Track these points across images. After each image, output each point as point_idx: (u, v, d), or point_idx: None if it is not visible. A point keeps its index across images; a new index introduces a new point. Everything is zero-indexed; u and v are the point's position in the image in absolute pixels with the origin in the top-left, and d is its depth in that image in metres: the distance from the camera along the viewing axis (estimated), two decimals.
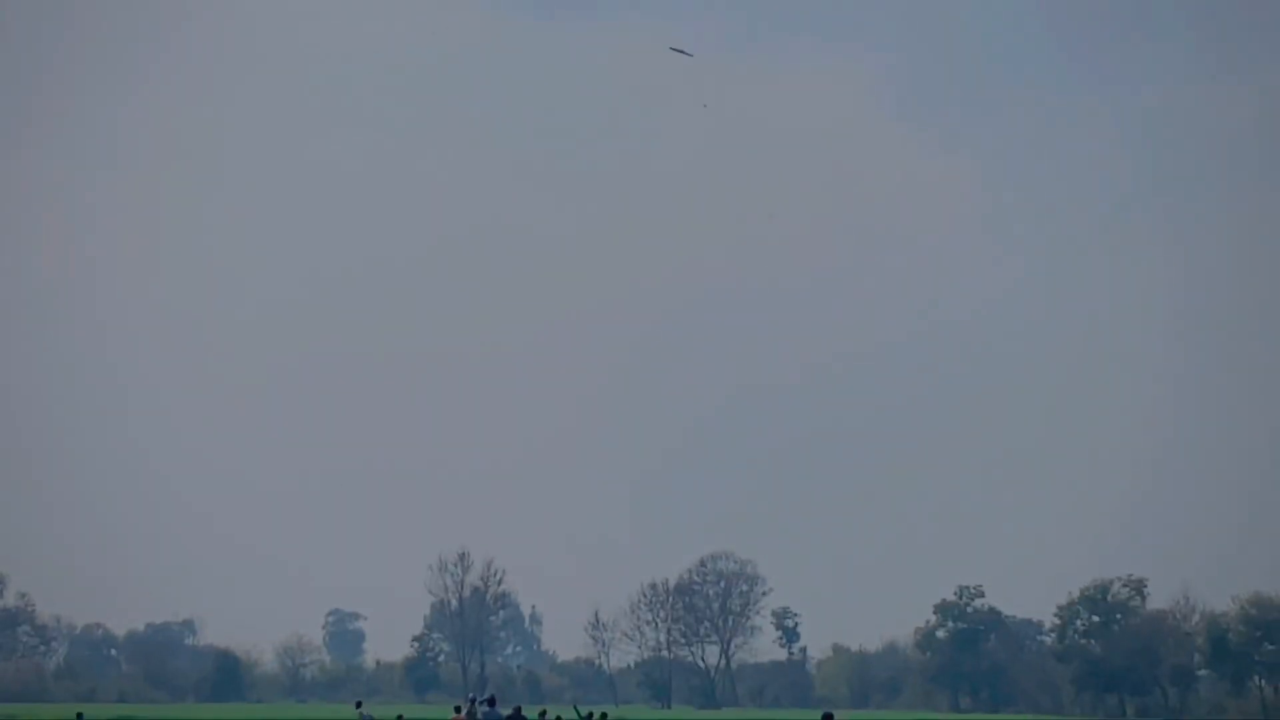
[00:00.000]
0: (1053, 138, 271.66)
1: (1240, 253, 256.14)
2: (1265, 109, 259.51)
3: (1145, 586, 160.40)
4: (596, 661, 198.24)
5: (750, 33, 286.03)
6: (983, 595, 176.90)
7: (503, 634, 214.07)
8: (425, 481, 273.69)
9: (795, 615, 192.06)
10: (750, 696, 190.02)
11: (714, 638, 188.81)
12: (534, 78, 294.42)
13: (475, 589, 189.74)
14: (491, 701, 51.54)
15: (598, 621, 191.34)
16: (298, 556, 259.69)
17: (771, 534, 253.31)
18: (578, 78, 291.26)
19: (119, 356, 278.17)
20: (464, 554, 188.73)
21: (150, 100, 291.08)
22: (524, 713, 53.29)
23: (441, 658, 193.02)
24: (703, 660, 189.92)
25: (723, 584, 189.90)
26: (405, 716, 61.46)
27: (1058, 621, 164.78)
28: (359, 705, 65.63)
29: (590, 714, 56.35)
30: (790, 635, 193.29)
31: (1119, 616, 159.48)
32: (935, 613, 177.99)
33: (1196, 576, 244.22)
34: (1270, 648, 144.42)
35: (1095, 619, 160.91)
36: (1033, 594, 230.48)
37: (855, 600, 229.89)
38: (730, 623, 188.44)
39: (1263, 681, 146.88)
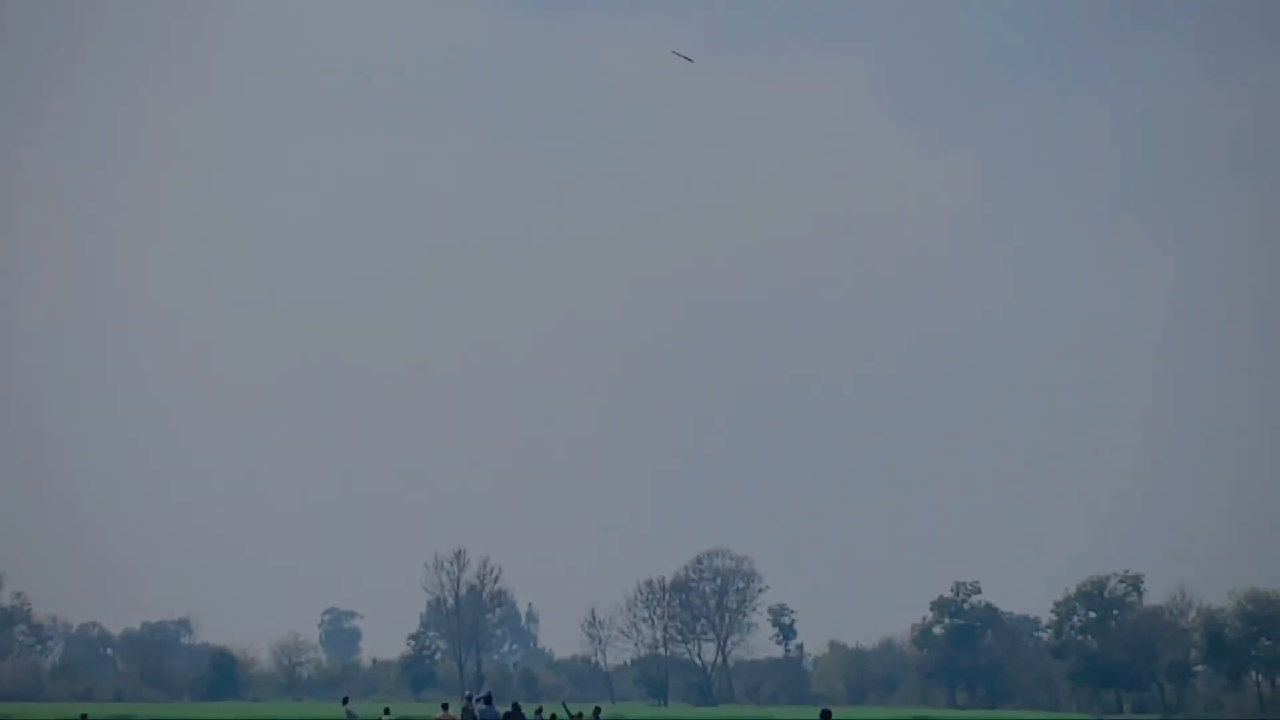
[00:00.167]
0: (1052, 137, 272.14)
1: (1237, 251, 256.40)
2: (1264, 108, 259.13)
3: (1142, 583, 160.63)
4: (593, 659, 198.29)
5: (749, 32, 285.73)
6: (979, 592, 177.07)
7: (499, 632, 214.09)
8: (421, 479, 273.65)
9: (792, 612, 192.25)
10: (747, 694, 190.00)
11: (710, 635, 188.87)
12: (533, 76, 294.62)
13: (471, 587, 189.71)
14: (488, 699, 51.48)
15: (594, 619, 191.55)
16: (294, 555, 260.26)
17: (768, 531, 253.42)
18: (576, 76, 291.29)
19: (116, 356, 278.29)
20: (460, 552, 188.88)
21: (149, 100, 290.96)
22: (521, 710, 53.24)
23: (438, 656, 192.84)
24: (699, 658, 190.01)
25: (719, 581, 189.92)
26: (391, 711, 61.33)
27: (1054, 618, 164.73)
28: (345, 701, 65.65)
29: (580, 713, 56.40)
30: (787, 632, 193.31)
31: (1116, 613, 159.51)
32: (932, 609, 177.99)
33: (1193, 573, 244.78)
34: (1267, 643, 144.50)
35: (1092, 615, 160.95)
36: (1029, 590, 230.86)
37: (852, 597, 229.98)
38: (727, 620, 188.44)
39: (1259, 677, 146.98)
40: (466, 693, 63.82)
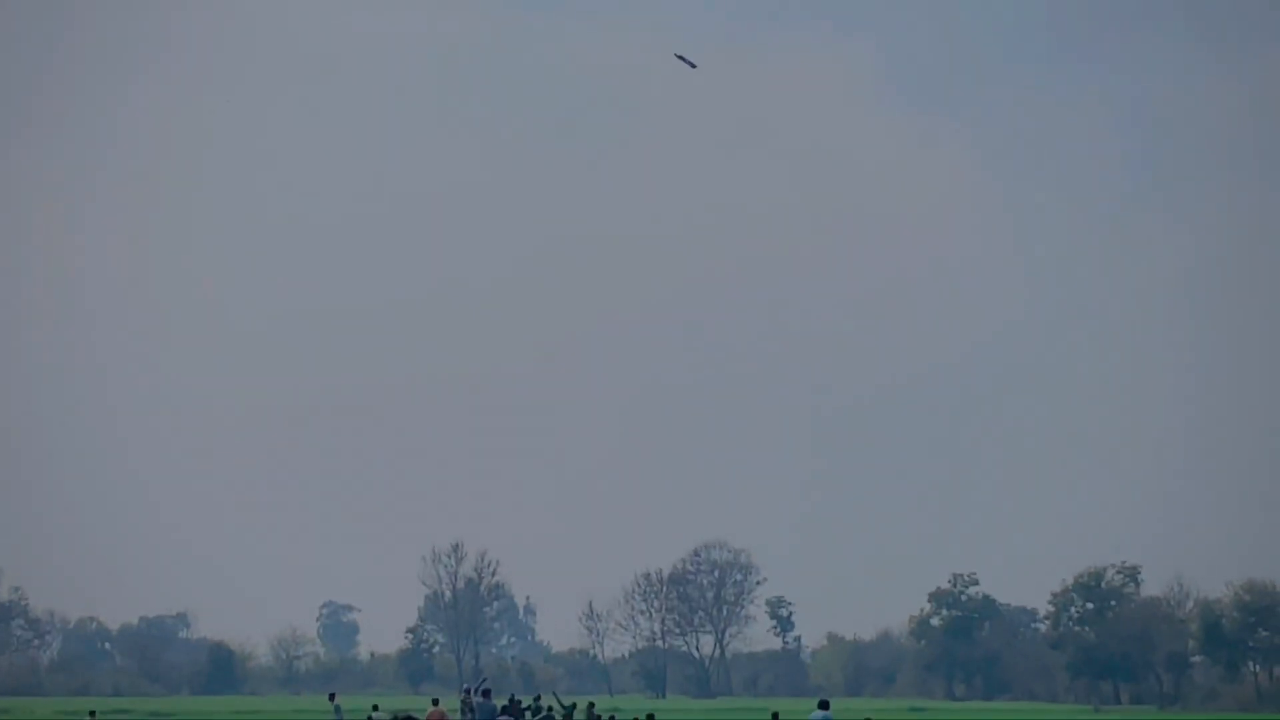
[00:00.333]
0: (1054, 127, 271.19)
1: (1237, 244, 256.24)
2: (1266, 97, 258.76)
3: (1139, 573, 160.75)
4: (591, 652, 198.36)
5: (748, 22, 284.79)
6: (977, 583, 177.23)
7: (497, 625, 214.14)
8: (418, 472, 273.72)
9: (790, 604, 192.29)
10: (745, 686, 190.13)
11: (708, 627, 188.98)
12: (528, 68, 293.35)
13: (469, 580, 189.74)
14: (486, 693, 51.50)
15: (592, 612, 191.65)
16: (291, 549, 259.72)
17: (766, 523, 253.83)
18: (572, 67, 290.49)
19: (113, 350, 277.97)
20: (457, 545, 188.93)
21: (146, 100, 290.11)
22: (518, 702, 53.23)
23: (436, 649, 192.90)
24: (697, 650, 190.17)
25: (717, 573, 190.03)
26: (380, 707, 61.41)
27: (1052, 609, 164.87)
28: (332, 697, 65.73)
29: (574, 704, 56.42)
30: (785, 624, 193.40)
31: (1113, 603, 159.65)
32: (929, 601, 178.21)
33: (1190, 563, 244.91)
34: (1264, 634, 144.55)
35: (1089, 606, 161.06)
36: (1027, 582, 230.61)
37: (849, 589, 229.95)
38: (725, 612, 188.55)
39: (1257, 667, 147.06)
40: (465, 686, 63.86)
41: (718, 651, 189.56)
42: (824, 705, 36.95)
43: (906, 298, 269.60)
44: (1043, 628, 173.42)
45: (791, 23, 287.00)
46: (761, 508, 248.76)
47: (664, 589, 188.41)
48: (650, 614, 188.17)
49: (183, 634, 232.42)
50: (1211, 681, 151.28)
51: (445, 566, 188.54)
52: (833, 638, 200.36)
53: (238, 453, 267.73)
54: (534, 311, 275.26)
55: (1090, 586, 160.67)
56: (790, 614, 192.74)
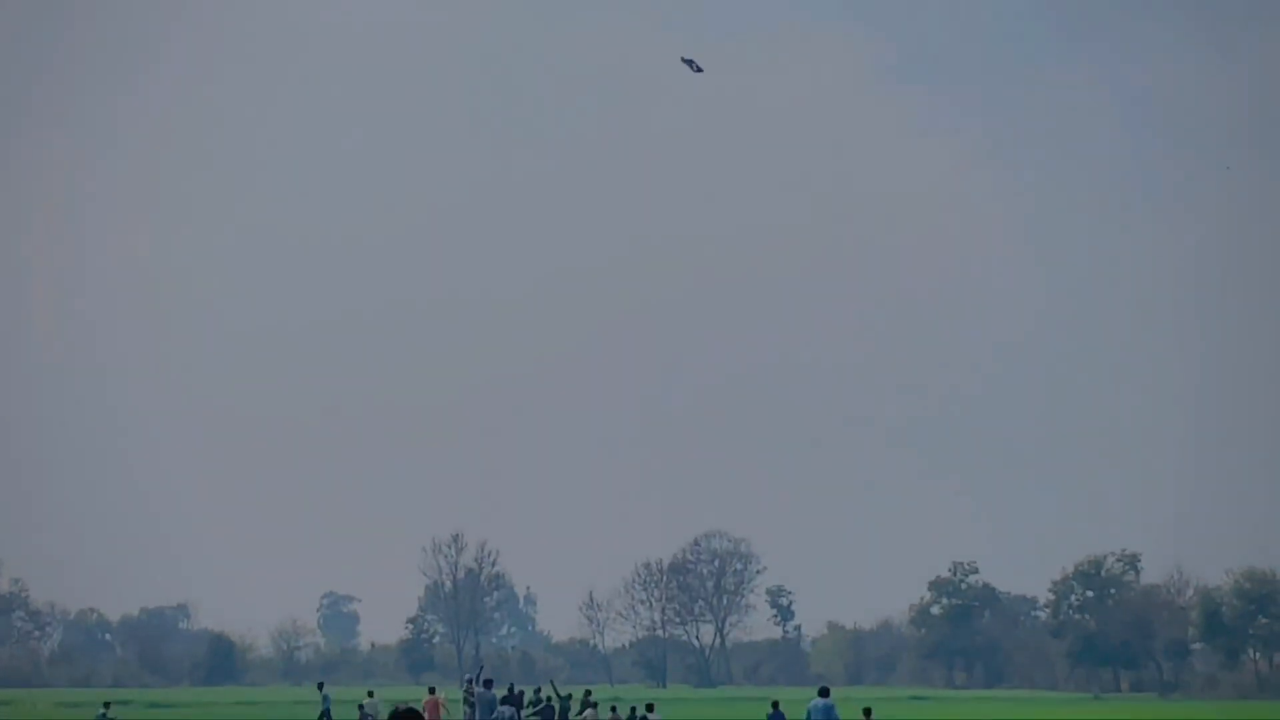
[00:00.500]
0: (1051, 115, 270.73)
1: (1241, 231, 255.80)
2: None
3: (1139, 561, 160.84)
4: (591, 641, 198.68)
5: (745, 12, 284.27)
6: (977, 571, 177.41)
7: (497, 615, 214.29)
8: (418, 463, 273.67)
9: (790, 593, 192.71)
10: (745, 675, 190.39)
11: (708, 617, 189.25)
12: (524, 58, 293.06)
13: (469, 570, 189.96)
14: (488, 683, 51.62)
15: (592, 602, 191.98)
16: (291, 540, 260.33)
17: (765, 513, 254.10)
18: (567, 58, 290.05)
19: (111, 340, 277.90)
20: (457, 535, 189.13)
21: (145, 98, 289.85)
22: (517, 692, 53.32)
23: (436, 639, 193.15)
24: (697, 639, 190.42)
25: (717, 563, 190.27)
26: (375, 694, 61.65)
27: (1052, 597, 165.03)
28: (321, 686, 65.92)
29: (569, 694, 56.56)
30: (785, 613, 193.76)
31: (1113, 591, 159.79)
32: (929, 589, 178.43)
33: (1190, 551, 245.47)
34: (1264, 621, 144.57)
35: (1089, 594, 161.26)
36: (1027, 570, 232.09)
37: (849, 578, 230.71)
38: (725, 601, 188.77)
39: (1257, 655, 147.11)
40: (466, 676, 64.06)
41: (718, 641, 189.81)
42: (824, 693, 36.96)
43: (908, 288, 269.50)
44: (1043, 616, 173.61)
45: (787, 8, 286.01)
46: (761, 497, 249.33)
47: (664, 578, 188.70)
48: (650, 603, 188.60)
49: (183, 625, 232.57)
50: (1211, 669, 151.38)
51: (445, 557, 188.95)
52: (833, 627, 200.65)
53: (237, 444, 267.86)
54: (532, 306, 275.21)
55: (1090, 574, 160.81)
56: (790, 603, 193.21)
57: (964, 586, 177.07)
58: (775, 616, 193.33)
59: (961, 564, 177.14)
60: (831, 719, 35.63)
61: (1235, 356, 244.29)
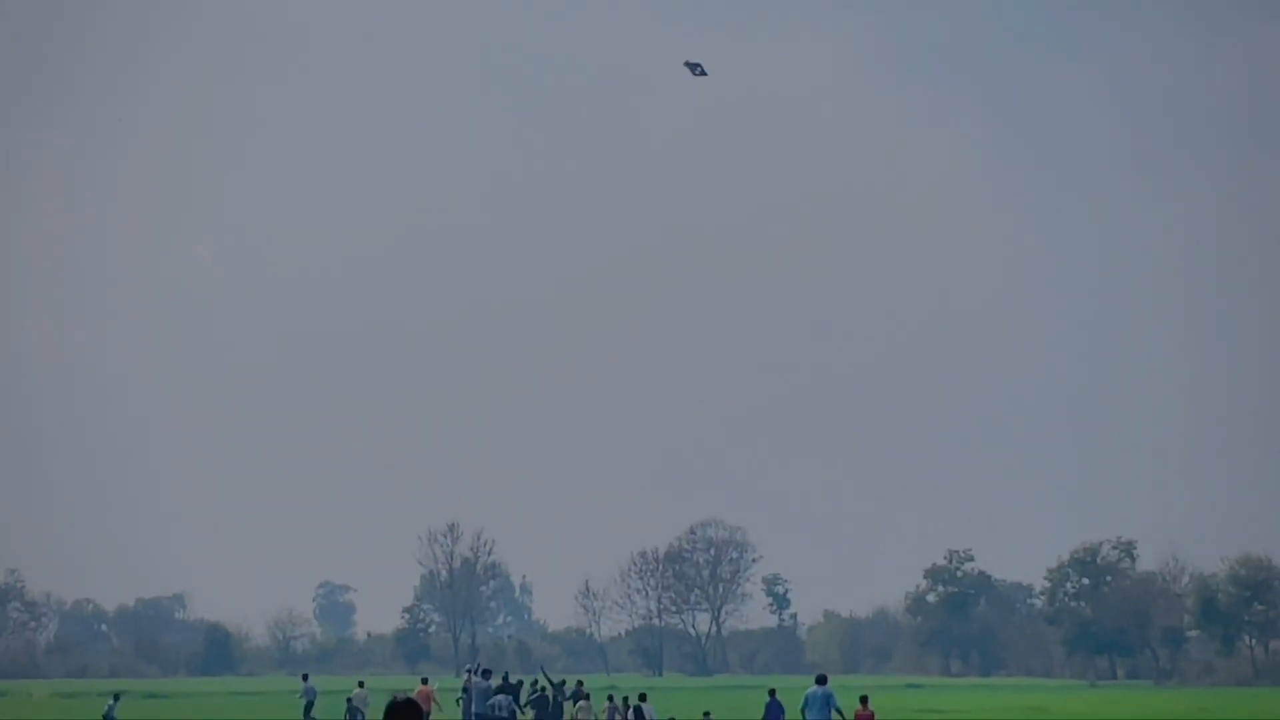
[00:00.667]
0: (1053, 105, 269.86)
1: (1236, 221, 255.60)
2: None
3: (1135, 548, 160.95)
4: (587, 631, 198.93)
5: (746, 8, 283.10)
6: (972, 559, 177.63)
7: (493, 604, 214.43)
8: (414, 452, 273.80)
9: (785, 582, 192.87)
10: (741, 663, 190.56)
11: (705, 605, 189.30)
12: (524, 59, 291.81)
13: (465, 560, 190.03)
14: (486, 673, 51.63)
15: (588, 591, 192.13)
16: (287, 530, 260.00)
17: (761, 501, 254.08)
18: (568, 59, 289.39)
19: (106, 330, 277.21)
20: (453, 525, 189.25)
21: (148, 90, 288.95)
22: (511, 681, 53.36)
23: (432, 629, 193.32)
24: (694, 628, 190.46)
25: (713, 551, 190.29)
26: (365, 684, 61.74)
27: (1048, 584, 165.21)
28: (305, 677, 65.94)
29: (563, 681, 56.56)
30: (781, 602, 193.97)
31: (1109, 579, 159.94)
32: (925, 577, 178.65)
33: (1186, 538, 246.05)
34: (1259, 607, 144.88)
35: (1085, 581, 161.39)
36: (1023, 557, 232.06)
37: (845, 566, 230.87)
38: (721, 590, 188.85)
39: (1252, 641, 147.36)
40: (467, 666, 64.19)
41: (714, 629, 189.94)
42: (822, 680, 36.93)
43: (902, 277, 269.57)
44: (1039, 603, 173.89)
45: (795, 8, 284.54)
46: (757, 485, 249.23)
47: (660, 567, 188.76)
48: (646, 592, 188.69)
49: (179, 615, 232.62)
50: (1207, 656, 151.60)
51: (441, 546, 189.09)
52: (829, 615, 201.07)
53: (233, 434, 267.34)
54: (528, 298, 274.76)
55: (1086, 562, 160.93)
56: (786, 591, 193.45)
57: (960, 574, 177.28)
58: (771, 605, 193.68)
59: (957, 552, 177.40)
60: (830, 707, 35.59)
61: (1230, 345, 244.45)
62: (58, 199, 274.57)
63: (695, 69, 43.99)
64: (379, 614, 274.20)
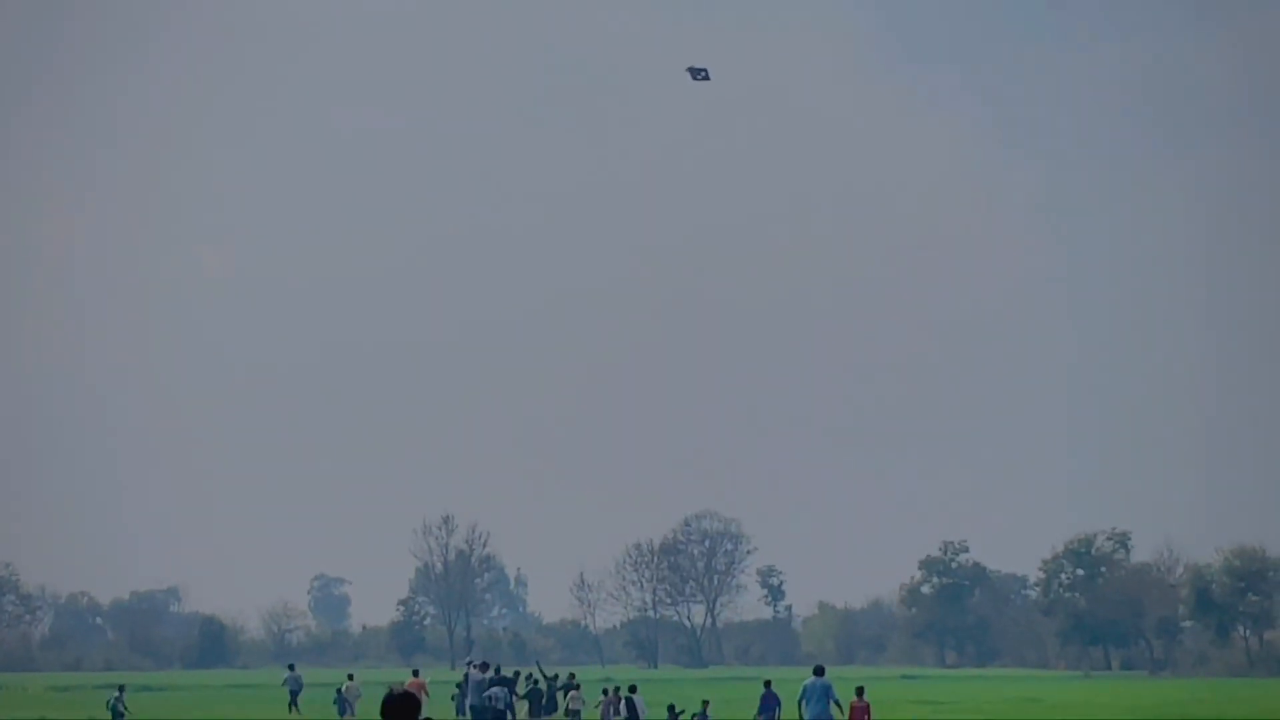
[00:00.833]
0: (1049, 89, 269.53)
1: (1227, 206, 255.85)
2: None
3: (1129, 539, 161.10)
4: (582, 623, 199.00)
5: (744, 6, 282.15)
6: (967, 550, 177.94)
7: (488, 597, 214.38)
8: (409, 445, 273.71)
9: (780, 574, 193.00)
10: (736, 655, 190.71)
11: (699, 597, 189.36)
12: (523, 58, 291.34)
13: (460, 552, 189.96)
14: (483, 666, 51.77)
15: (583, 583, 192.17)
16: (282, 523, 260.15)
17: (756, 493, 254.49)
18: (552, 34, 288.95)
19: (100, 323, 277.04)
20: (448, 517, 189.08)
21: (147, 91, 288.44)
22: (502, 674, 53.45)
23: (427, 621, 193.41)
24: (689, 620, 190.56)
25: (707, 543, 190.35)
26: (355, 676, 61.81)
27: (1042, 575, 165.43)
28: (292, 668, 66.05)
29: (555, 675, 56.72)
30: (776, 594, 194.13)
31: (1103, 569, 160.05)
32: (920, 569, 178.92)
33: (1180, 529, 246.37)
34: (1254, 598, 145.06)
35: (1079, 572, 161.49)
36: (1017, 548, 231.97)
37: (840, 558, 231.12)
38: (715, 582, 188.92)
39: (1247, 632, 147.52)
40: (468, 659, 64.56)
41: (709, 621, 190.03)
42: (819, 672, 36.92)
43: (892, 267, 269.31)
44: (1033, 594, 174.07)
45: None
46: (752, 477, 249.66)
47: (655, 559, 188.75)
48: (641, 584, 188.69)
49: (174, 608, 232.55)
50: (1202, 646, 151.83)
51: (436, 539, 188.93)
52: (824, 606, 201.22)
53: (227, 427, 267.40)
54: (523, 291, 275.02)
55: (1080, 553, 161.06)
56: (781, 583, 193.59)
57: (954, 565, 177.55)
58: (766, 597, 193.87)
59: (952, 543, 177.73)
60: (829, 698, 35.59)
61: (1224, 336, 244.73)
62: (55, 197, 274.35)
63: (698, 74, 43.56)
64: (374, 607, 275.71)
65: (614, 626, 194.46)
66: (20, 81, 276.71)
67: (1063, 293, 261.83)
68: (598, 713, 49.93)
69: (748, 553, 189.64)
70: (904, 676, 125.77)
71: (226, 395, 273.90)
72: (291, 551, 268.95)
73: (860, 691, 37.77)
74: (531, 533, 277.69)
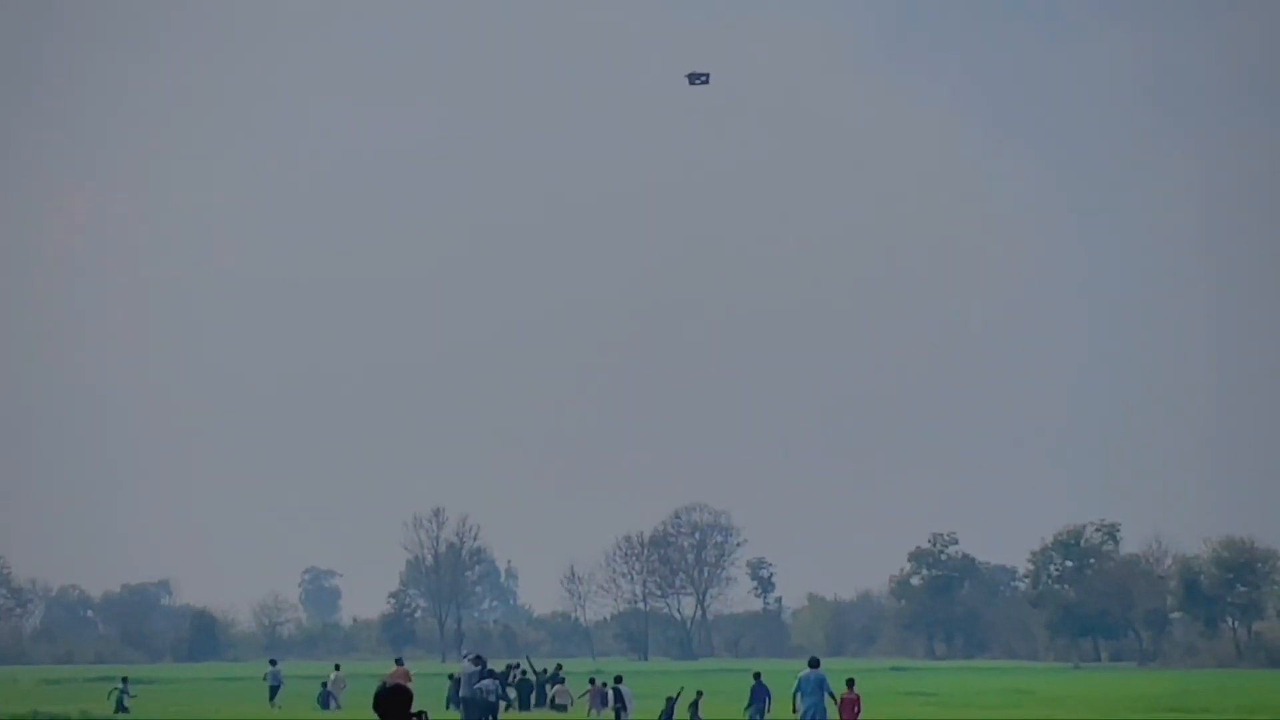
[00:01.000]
0: (1050, 84, 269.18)
1: (1222, 200, 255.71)
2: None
3: (1118, 531, 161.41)
4: (573, 615, 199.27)
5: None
6: (956, 542, 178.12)
7: (478, 589, 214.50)
8: (399, 438, 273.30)
9: (770, 565, 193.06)
10: (727, 647, 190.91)
11: (689, 589, 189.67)
12: (515, 44, 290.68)
13: (450, 545, 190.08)
14: (477, 659, 51.91)
15: (573, 575, 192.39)
16: (272, 515, 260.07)
17: (746, 485, 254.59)
18: (548, 33, 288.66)
19: (91, 316, 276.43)
20: (438, 510, 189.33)
21: (148, 90, 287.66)
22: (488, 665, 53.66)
23: (418, 614, 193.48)
24: (679, 612, 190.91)
25: (698, 536, 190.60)
26: (342, 667, 62.06)
27: (1031, 567, 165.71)
28: (274, 663, 66.23)
29: (545, 669, 57.00)
30: (765, 586, 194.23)
31: (1092, 561, 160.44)
32: (909, 560, 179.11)
33: (1169, 521, 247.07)
34: (1242, 589, 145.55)
35: (1069, 564, 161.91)
36: (1006, 540, 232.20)
37: (830, 550, 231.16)
38: (706, 574, 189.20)
39: (1235, 623, 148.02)
40: (464, 653, 64.86)
41: (699, 613, 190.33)
42: (814, 664, 36.95)
43: (886, 264, 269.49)
44: (1022, 586, 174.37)
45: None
46: (741, 469, 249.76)
47: (645, 551, 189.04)
48: (631, 576, 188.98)
49: (165, 601, 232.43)
50: (1190, 638, 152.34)
51: (427, 531, 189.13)
52: (813, 598, 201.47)
53: (218, 420, 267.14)
54: (517, 284, 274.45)
55: (1069, 544, 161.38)
56: (771, 575, 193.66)
57: (944, 557, 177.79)
58: (756, 589, 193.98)
59: (941, 535, 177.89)
60: (824, 690, 35.68)
61: (1214, 329, 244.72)
62: (54, 195, 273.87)
63: (697, 79, 43.54)
64: (365, 599, 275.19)
65: (604, 619, 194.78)
66: (20, 81, 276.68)
67: (1051, 287, 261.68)
68: (584, 703, 50.17)
69: (738, 545, 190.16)
70: (893, 668, 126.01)
71: (217, 389, 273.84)
72: (282, 544, 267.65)
73: (851, 683, 37.89)
74: (522, 525, 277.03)
